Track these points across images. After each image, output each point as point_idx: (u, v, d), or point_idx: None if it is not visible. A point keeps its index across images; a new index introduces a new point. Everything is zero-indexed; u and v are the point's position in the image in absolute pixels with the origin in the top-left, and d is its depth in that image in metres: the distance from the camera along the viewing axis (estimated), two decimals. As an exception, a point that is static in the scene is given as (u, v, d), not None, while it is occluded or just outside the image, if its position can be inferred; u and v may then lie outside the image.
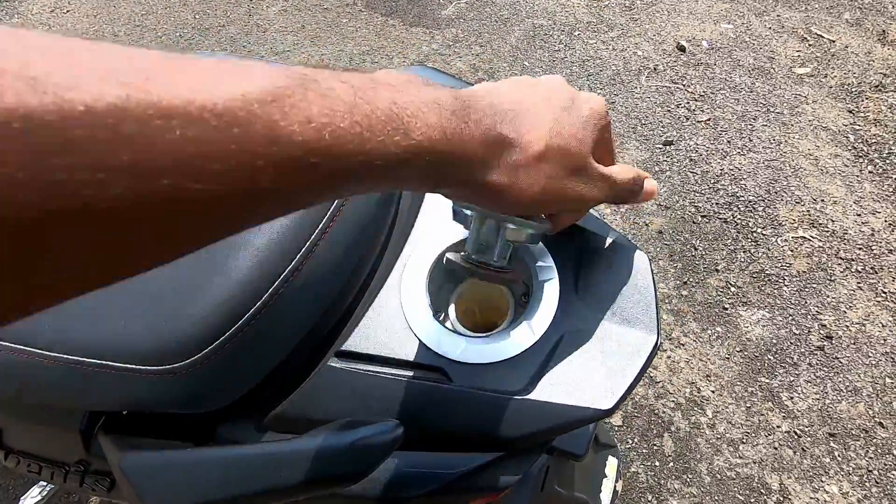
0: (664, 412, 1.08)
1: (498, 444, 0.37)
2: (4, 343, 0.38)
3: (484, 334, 0.40)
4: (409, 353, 0.39)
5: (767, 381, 1.11)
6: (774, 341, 1.16)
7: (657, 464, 1.02)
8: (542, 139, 0.28)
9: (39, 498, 0.73)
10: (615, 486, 0.71)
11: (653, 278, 0.39)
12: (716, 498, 0.98)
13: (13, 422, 0.46)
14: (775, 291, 1.24)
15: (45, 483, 0.73)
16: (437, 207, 0.45)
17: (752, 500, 0.97)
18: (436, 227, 0.44)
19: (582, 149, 0.30)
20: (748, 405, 1.08)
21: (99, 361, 0.37)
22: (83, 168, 0.14)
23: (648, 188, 0.35)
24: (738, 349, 1.16)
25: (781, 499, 0.97)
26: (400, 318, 0.40)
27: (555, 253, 0.41)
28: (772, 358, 1.14)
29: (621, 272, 0.39)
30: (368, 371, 0.39)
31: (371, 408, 0.38)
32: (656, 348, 0.36)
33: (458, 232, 0.43)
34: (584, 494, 0.64)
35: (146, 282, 0.37)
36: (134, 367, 0.36)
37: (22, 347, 0.38)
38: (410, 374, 0.38)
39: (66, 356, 0.37)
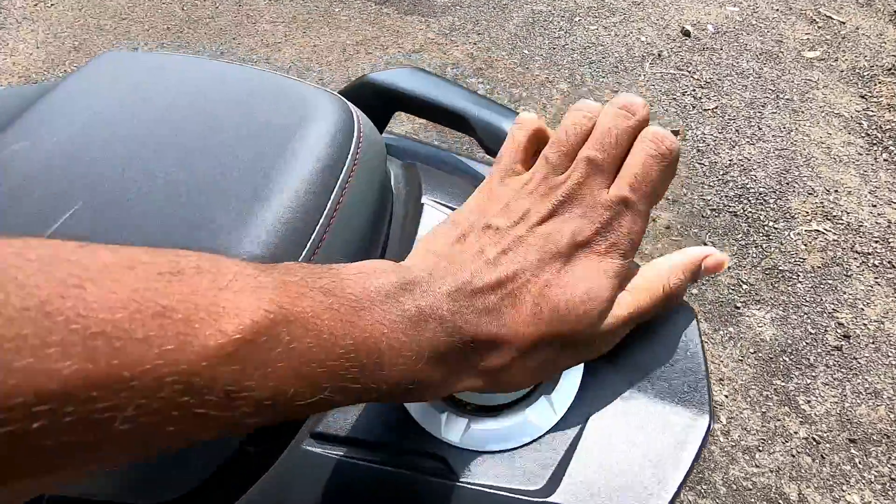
0: (676, 418, 1.04)
1: None
2: None
3: (492, 411, 0.34)
4: (400, 436, 0.33)
5: (783, 384, 1.07)
6: (789, 341, 1.12)
7: (670, 473, 0.98)
8: (527, 334, 0.24)
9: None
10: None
11: (701, 340, 0.33)
12: (732, 509, 0.95)
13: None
14: (789, 288, 1.20)
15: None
16: None
17: (770, 511, 0.94)
18: None
19: (584, 320, 0.25)
20: (763, 410, 1.04)
21: None
22: None
23: (713, 262, 0.29)
24: (751, 350, 1.11)
25: (800, 509, 0.94)
26: None
27: None
28: (787, 359, 1.10)
29: (660, 333, 0.33)
30: (351, 458, 0.33)
31: (353, 502, 0.32)
32: (708, 434, 0.30)
33: None
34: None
35: None
36: None
37: None
38: (402, 462, 0.32)
39: None
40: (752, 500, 0.95)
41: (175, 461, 0.32)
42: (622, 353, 0.32)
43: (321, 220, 0.34)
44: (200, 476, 0.33)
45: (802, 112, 1.59)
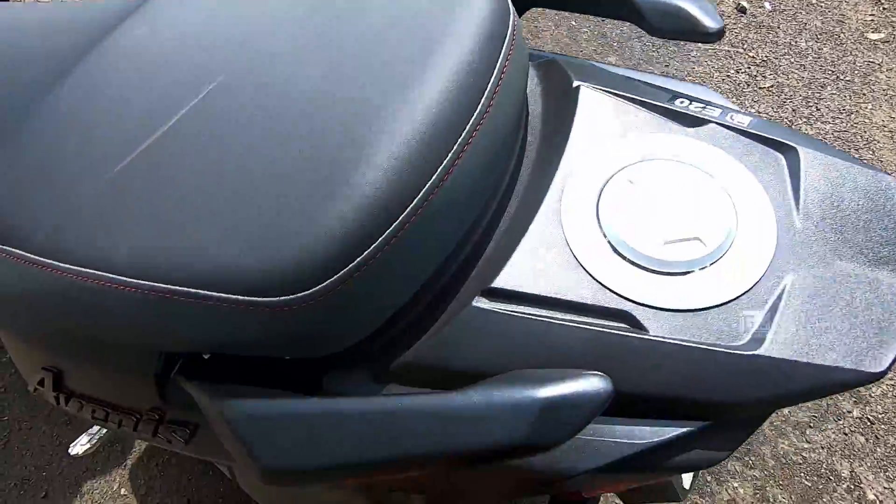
0: (724, 391, 1.03)
1: (707, 412, 0.29)
2: (73, 267, 0.32)
3: (681, 268, 0.32)
4: (581, 294, 0.32)
5: (837, 363, 1.04)
6: (844, 322, 1.09)
7: (717, 444, 0.97)
8: None
9: (88, 446, 0.71)
10: (697, 466, 0.65)
11: None
12: (780, 482, 0.93)
13: (77, 363, 0.41)
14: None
15: (93, 431, 0.71)
16: (599, 126, 0.37)
17: (821, 487, 0.92)
18: (601, 146, 0.37)
19: None
20: (816, 388, 1.02)
21: (191, 290, 0.30)
22: None
23: None
24: (804, 329, 1.09)
25: (852, 487, 0.92)
26: (565, 252, 0.33)
27: (758, 175, 0.34)
28: (841, 339, 1.07)
29: (855, 198, 0.31)
30: (528, 314, 0.31)
31: (532, 359, 0.31)
32: None
33: (632, 151, 0.36)
34: (668, 473, 0.59)
35: (255, 197, 0.31)
36: (238, 298, 0.29)
37: (93, 272, 0.31)
38: (585, 319, 0.31)
39: (148, 283, 0.31)
40: (802, 474, 0.93)
41: (339, 317, 0.31)
42: (815, 219, 0.30)
43: (478, 109, 0.32)
44: (362, 332, 0.33)
45: (864, 94, 1.54)
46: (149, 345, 0.34)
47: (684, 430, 0.30)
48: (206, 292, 0.30)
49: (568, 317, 0.31)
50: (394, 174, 0.30)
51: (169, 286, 0.30)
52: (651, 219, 0.34)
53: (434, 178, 0.31)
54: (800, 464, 0.94)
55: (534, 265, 0.33)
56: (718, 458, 0.30)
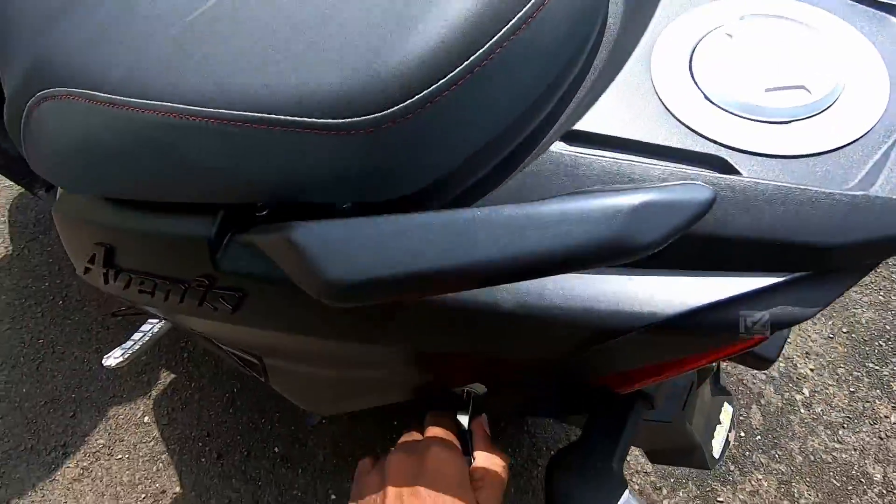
0: (754, 383, 1.00)
1: (806, 260, 0.28)
2: (150, 102, 0.32)
3: (783, 116, 0.31)
4: (668, 139, 0.31)
5: (877, 367, 1.00)
6: (888, 328, 1.04)
7: (742, 434, 0.94)
8: None
9: (122, 359, 0.72)
10: (728, 436, 0.64)
11: None
12: (807, 479, 0.90)
13: (129, 235, 0.42)
14: (894, 275, 1.12)
15: (127, 345, 0.72)
16: None
17: (850, 488, 0.89)
18: (694, 8, 0.37)
19: None
20: (852, 390, 0.98)
21: (273, 116, 0.30)
22: None
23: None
24: (844, 330, 1.05)
25: (884, 492, 0.88)
26: (653, 99, 0.32)
27: (869, 35, 0.33)
28: (883, 345, 1.03)
29: None
30: (612, 158, 0.31)
31: None
32: None
33: (730, 11, 0.35)
34: (699, 436, 0.58)
35: (339, 23, 0.31)
36: (312, 120, 0.29)
37: (172, 105, 0.32)
38: (672, 164, 0.30)
39: (229, 111, 0.31)
40: (831, 473, 0.90)
41: (414, 147, 0.31)
42: None
43: None
44: (438, 169, 0.32)
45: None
46: (220, 191, 0.34)
47: (773, 281, 0.28)
48: (287, 117, 0.30)
49: (653, 161, 0.30)
50: (480, 3, 0.30)
51: (250, 113, 0.30)
52: (751, 68, 0.33)
53: (519, 15, 0.30)
54: (829, 463, 0.91)
55: (618, 111, 0.32)
56: (807, 315, 0.28)
